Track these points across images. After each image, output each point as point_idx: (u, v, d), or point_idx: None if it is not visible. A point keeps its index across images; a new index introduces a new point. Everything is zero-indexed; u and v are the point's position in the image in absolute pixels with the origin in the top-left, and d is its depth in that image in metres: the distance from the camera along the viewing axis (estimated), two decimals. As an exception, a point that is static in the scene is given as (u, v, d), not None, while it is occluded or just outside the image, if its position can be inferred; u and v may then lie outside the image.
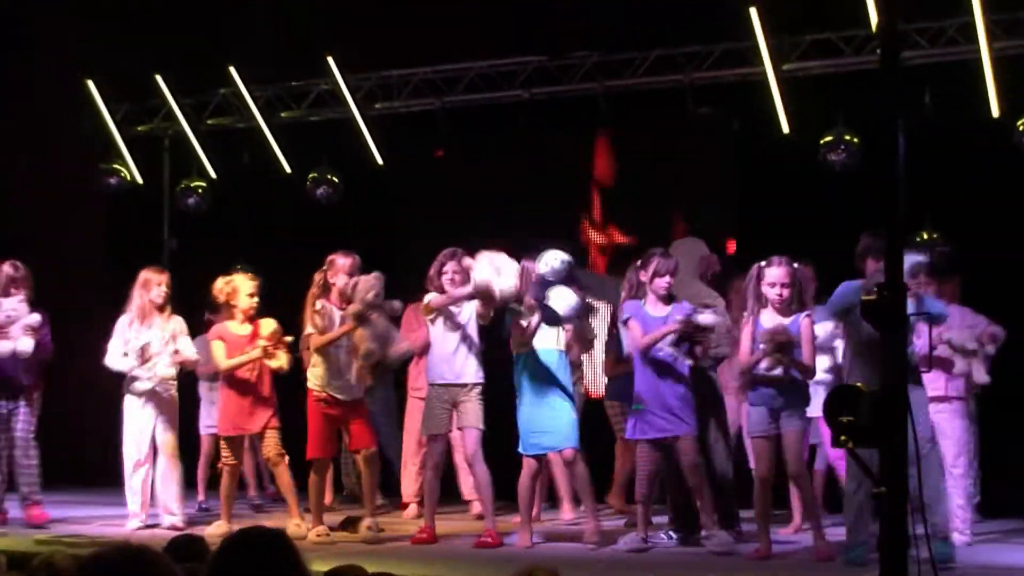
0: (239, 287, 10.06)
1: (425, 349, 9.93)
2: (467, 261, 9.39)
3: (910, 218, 4.67)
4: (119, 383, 10.30)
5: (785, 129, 11.89)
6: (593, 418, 10.71)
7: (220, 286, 10.10)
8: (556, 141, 13.19)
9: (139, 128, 14.48)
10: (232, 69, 13.58)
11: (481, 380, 9.43)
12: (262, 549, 3.73)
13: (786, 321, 8.63)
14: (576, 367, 10.10)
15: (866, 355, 8.06)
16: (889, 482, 4.32)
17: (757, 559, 8.63)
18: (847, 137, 11.57)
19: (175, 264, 13.73)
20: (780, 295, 8.67)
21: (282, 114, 13.94)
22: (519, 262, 9.35)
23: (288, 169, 13.84)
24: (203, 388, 11.61)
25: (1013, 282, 10.82)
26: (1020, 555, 9.04)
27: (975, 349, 9.42)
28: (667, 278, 9.05)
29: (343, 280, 9.67)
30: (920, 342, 8.53)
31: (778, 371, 8.59)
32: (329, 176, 13.55)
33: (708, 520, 9.06)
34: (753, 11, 11.67)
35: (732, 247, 12.13)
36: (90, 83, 14.08)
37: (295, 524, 9.61)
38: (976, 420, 9.89)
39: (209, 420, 11.38)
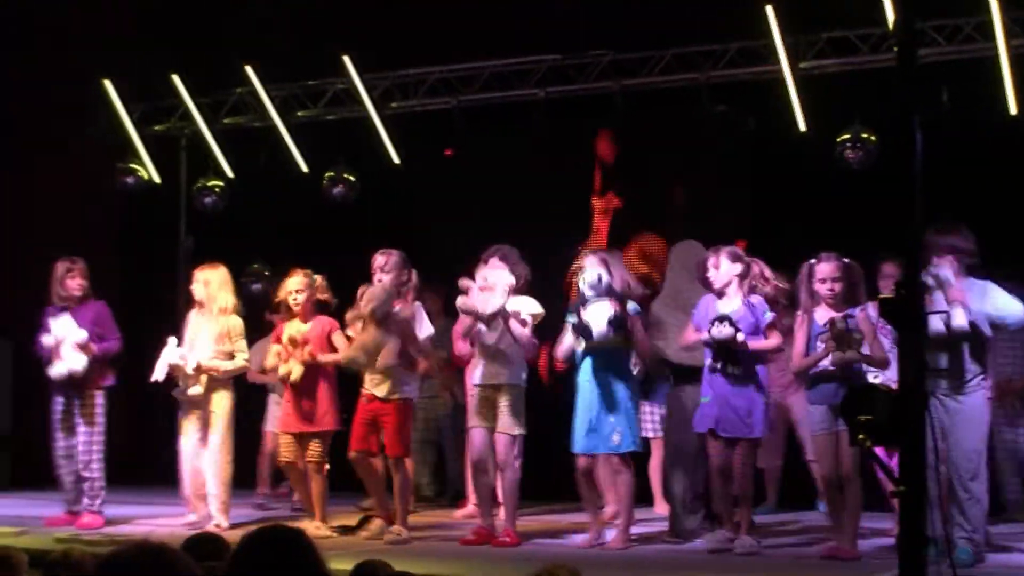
0: (283, 285, 10.11)
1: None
2: (466, 283, 9.50)
3: (927, 216, 4.65)
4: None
5: (802, 127, 11.86)
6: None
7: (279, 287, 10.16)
8: (571, 140, 13.18)
9: (156, 127, 14.50)
10: (249, 68, 13.59)
11: (514, 383, 9.44)
12: (281, 547, 3.74)
13: (839, 316, 8.61)
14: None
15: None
16: (908, 481, 4.32)
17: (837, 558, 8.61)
18: (864, 135, 11.54)
19: (192, 263, 13.76)
20: (831, 290, 8.68)
21: (299, 113, 13.94)
22: (519, 264, 9.50)
23: (305, 168, 13.85)
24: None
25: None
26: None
27: None
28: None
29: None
30: None
31: (829, 364, 8.56)
32: (345, 175, 13.56)
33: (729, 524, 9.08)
34: (769, 9, 11.65)
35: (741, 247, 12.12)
36: (107, 83, 14.10)
37: (315, 526, 9.63)
38: None
39: (273, 418, 11.50)
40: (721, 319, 8.89)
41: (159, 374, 10.21)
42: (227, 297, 10.40)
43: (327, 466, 10.01)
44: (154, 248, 14.23)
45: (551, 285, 11.41)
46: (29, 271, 11.48)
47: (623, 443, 9.18)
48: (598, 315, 9.06)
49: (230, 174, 14.16)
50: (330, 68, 13.44)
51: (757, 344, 8.96)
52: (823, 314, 8.70)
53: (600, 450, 9.28)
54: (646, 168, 12.83)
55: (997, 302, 8.33)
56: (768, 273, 9.19)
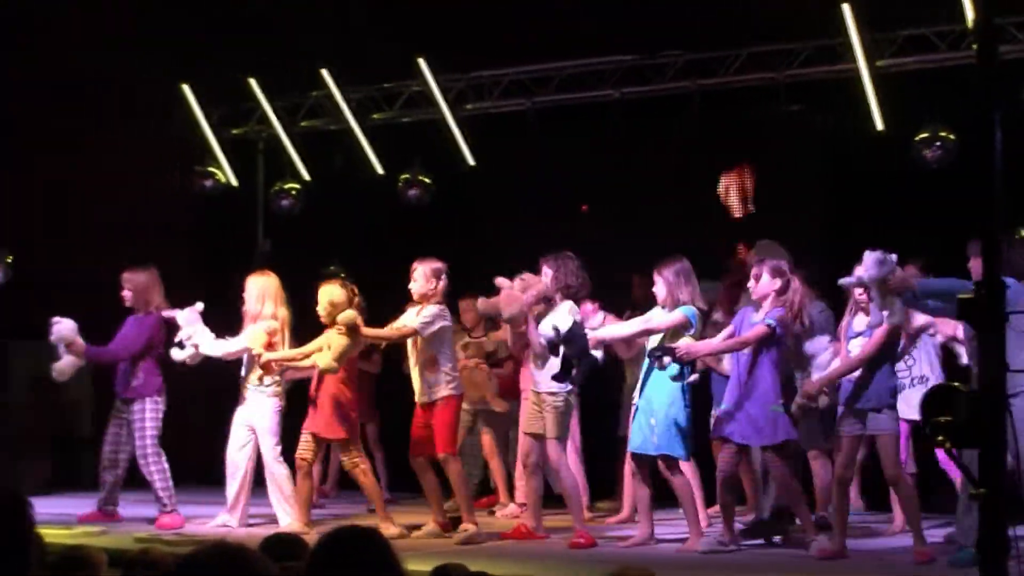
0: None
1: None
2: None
3: (1008, 215, 4.59)
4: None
5: (879, 126, 11.76)
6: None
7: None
8: (647, 141, 13.15)
9: (234, 131, 14.62)
10: (325, 72, 13.67)
11: (556, 390, 9.49)
12: (359, 547, 3.76)
13: (865, 321, 8.66)
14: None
15: None
16: (988, 483, 4.27)
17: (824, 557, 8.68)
18: (942, 133, 11.43)
19: (269, 266, 13.86)
20: (861, 293, 8.68)
21: (374, 116, 14.00)
22: (571, 273, 9.63)
23: (380, 170, 13.91)
24: None
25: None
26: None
27: None
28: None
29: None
30: None
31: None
32: (421, 177, 13.59)
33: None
34: (846, 7, 11.56)
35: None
36: (185, 87, 14.24)
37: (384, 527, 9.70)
38: None
39: None
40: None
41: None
42: (259, 306, 10.47)
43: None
44: (232, 251, 14.34)
45: (623, 288, 11.37)
46: (108, 278, 11.60)
47: (660, 446, 9.21)
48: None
49: (307, 177, 14.24)
50: (405, 70, 13.49)
51: (722, 345, 9.22)
52: (861, 320, 8.76)
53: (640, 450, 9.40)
54: (721, 168, 12.78)
55: None
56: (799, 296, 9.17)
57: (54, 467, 12.06)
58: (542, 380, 9.57)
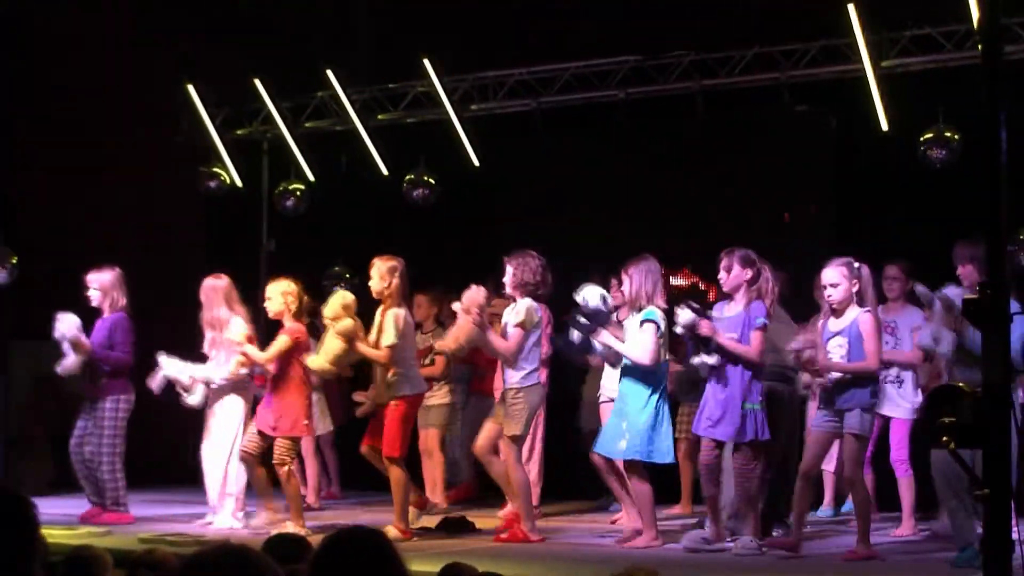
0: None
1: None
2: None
3: (1012, 216, 4.59)
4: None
5: (884, 126, 11.75)
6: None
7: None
8: (652, 140, 13.15)
9: (238, 131, 14.63)
10: (329, 72, 13.67)
11: (513, 386, 9.62)
12: (362, 548, 3.75)
13: (840, 321, 8.71)
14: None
15: (967, 361, 8.08)
16: (992, 483, 4.26)
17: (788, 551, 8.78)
18: (947, 134, 11.42)
19: (273, 266, 13.87)
20: (830, 296, 8.78)
21: (379, 116, 14.00)
22: (528, 271, 9.68)
23: (385, 171, 13.91)
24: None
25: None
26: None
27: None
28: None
29: None
30: None
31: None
32: (426, 177, 13.59)
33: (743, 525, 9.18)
34: (851, 7, 11.55)
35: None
36: (190, 87, 14.24)
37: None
38: None
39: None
40: (686, 304, 9.09)
41: (155, 385, 10.47)
42: (219, 311, 10.52)
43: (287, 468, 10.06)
44: (236, 251, 14.35)
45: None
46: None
47: (627, 450, 9.28)
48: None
49: (311, 178, 14.25)
50: (410, 71, 13.49)
51: (731, 345, 9.04)
52: (830, 321, 8.83)
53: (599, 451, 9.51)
54: (726, 168, 12.76)
55: None
56: (770, 285, 9.24)
57: (55, 467, 12.07)
58: (509, 380, 9.68)
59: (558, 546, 9.51)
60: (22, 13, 13.18)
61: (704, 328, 8.99)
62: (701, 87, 12.60)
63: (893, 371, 9.98)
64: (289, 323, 10.13)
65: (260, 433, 10.05)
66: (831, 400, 8.73)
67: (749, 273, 9.08)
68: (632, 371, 9.34)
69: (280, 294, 10.12)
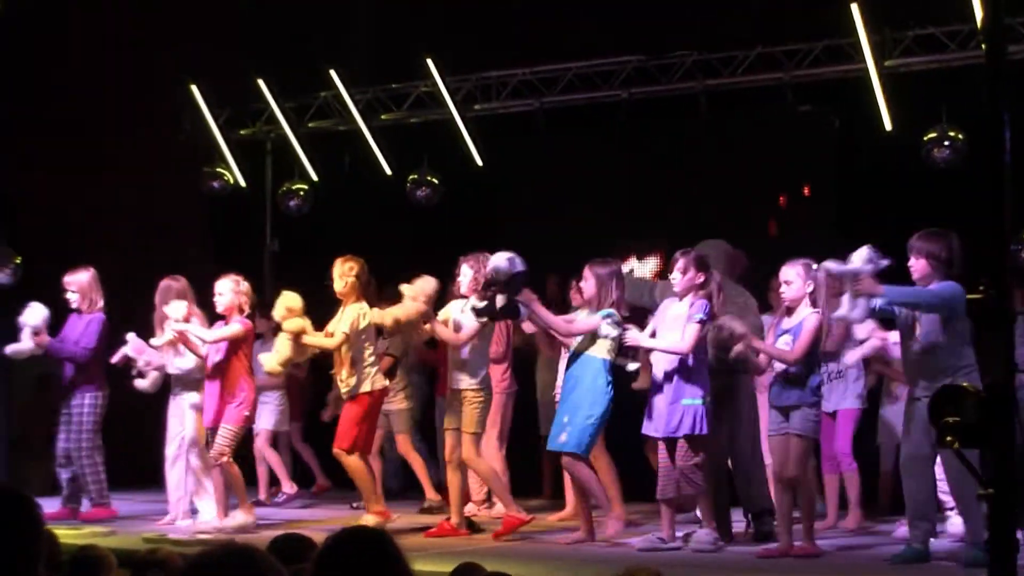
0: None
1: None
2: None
3: (1016, 215, 4.59)
4: None
5: (888, 126, 11.75)
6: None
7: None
8: (655, 140, 13.15)
9: (242, 132, 14.64)
10: (333, 72, 13.68)
11: (464, 387, 9.81)
12: (365, 548, 3.75)
13: (791, 320, 8.84)
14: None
15: None
16: (997, 482, 4.26)
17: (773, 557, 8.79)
18: (951, 133, 11.42)
19: (277, 266, 13.88)
20: (782, 293, 8.96)
21: (382, 116, 14.01)
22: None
23: (388, 171, 13.91)
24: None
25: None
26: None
27: None
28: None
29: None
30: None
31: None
32: (429, 177, 13.61)
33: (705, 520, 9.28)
34: (854, 7, 11.55)
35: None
36: (193, 87, 14.25)
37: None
38: None
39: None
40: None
41: (116, 358, 10.59)
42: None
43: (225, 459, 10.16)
44: (240, 252, 14.35)
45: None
46: (118, 278, 11.63)
47: (568, 443, 9.40)
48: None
49: (315, 177, 14.26)
50: (413, 71, 13.50)
51: (658, 345, 9.23)
52: (787, 320, 8.92)
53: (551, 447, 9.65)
54: (729, 168, 12.75)
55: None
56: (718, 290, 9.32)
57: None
58: (460, 378, 9.84)
59: (561, 546, 9.49)
60: (22, 13, 13.17)
61: (629, 340, 9.25)
62: (704, 87, 12.61)
63: (832, 366, 10.03)
64: (237, 318, 10.29)
65: (211, 430, 10.20)
66: (775, 398, 8.84)
67: (702, 277, 9.18)
68: (578, 365, 9.48)
69: (231, 291, 10.24)
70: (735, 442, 9.69)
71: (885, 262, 8.27)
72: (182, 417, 10.56)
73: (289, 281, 11.92)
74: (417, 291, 9.76)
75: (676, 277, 9.20)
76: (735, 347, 8.92)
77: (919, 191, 11.54)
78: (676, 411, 9.03)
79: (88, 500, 10.93)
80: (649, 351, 9.42)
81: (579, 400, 9.41)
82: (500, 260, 9.44)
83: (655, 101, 12.95)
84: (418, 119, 13.93)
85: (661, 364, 9.18)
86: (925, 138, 11.49)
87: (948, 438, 4.37)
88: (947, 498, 9.13)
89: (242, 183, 14.51)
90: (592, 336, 9.43)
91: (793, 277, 8.82)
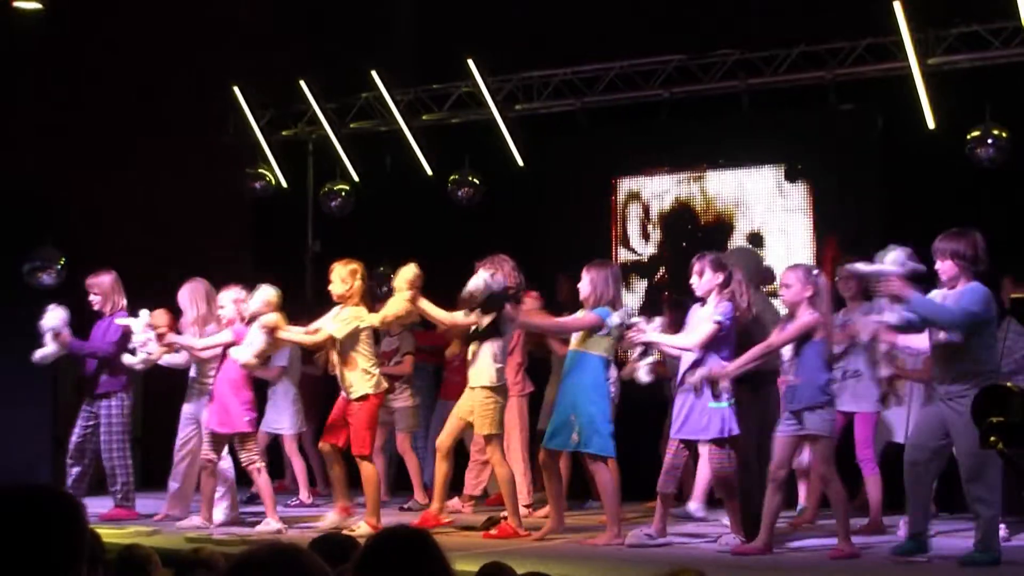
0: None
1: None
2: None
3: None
4: None
5: (931, 125, 11.68)
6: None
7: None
8: (697, 140, 13.13)
9: (284, 133, 14.70)
10: (374, 73, 13.71)
11: (478, 384, 9.78)
12: (408, 548, 3.76)
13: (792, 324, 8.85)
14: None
15: None
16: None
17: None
18: (995, 131, 11.35)
19: (319, 266, 13.90)
20: (782, 295, 9.04)
21: (423, 117, 14.03)
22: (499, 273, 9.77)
23: (429, 171, 13.94)
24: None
25: None
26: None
27: None
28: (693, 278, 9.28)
29: None
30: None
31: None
32: (470, 178, 13.63)
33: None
34: (897, 5, 11.49)
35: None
36: (236, 89, 14.31)
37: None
38: None
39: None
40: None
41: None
42: (194, 309, 10.83)
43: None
44: (282, 252, 14.41)
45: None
46: (160, 279, 11.69)
47: (580, 444, 9.44)
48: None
49: (356, 178, 14.30)
50: (454, 71, 13.52)
51: (665, 344, 9.32)
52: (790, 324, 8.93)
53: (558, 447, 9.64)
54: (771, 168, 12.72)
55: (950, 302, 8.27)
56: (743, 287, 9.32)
57: (98, 468, 12.18)
58: (473, 377, 9.83)
59: (602, 547, 9.48)
60: (71, 15, 13.26)
61: (635, 335, 9.26)
62: (746, 86, 12.58)
63: (850, 365, 10.00)
64: (238, 327, 10.32)
65: (212, 433, 10.26)
66: (788, 400, 8.83)
67: (720, 277, 9.15)
68: (576, 364, 9.51)
69: (232, 302, 10.29)
70: (763, 448, 9.66)
71: (916, 266, 8.22)
72: (195, 420, 10.70)
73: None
74: (400, 281, 9.83)
75: (695, 281, 9.21)
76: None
77: (963, 190, 11.47)
78: (708, 413, 9.03)
79: (112, 499, 11.01)
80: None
81: (581, 399, 9.41)
82: (476, 281, 9.53)
83: (697, 100, 12.93)
84: (459, 119, 13.95)
85: (685, 366, 9.16)
86: (969, 136, 11.42)
87: (992, 438, 4.34)
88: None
89: (284, 184, 14.56)
90: (589, 334, 9.44)
91: (793, 281, 8.80)
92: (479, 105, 13.56)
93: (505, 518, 9.93)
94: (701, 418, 9.03)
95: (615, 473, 9.86)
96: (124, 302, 11.05)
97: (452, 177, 13.66)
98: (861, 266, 8.39)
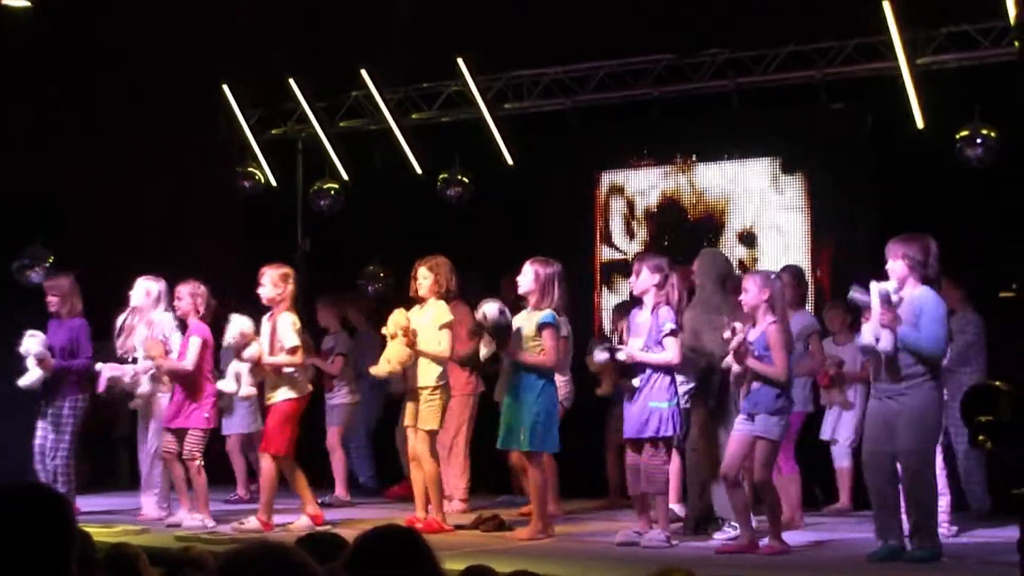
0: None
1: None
2: None
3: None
4: None
5: (920, 124, 11.69)
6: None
7: None
8: (687, 139, 13.13)
9: (273, 131, 14.68)
10: (364, 72, 13.70)
11: (420, 384, 9.92)
12: (397, 547, 3.76)
13: (755, 331, 8.90)
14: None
15: None
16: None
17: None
18: (984, 131, 11.36)
19: (308, 265, 13.89)
20: (740, 301, 9.07)
21: (413, 115, 14.02)
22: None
23: (419, 170, 13.92)
24: None
25: None
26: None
27: None
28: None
29: None
30: None
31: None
32: (460, 177, 13.62)
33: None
34: (886, 4, 11.50)
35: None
36: (225, 87, 14.29)
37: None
38: None
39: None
40: (602, 346, 9.57)
41: (101, 388, 10.69)
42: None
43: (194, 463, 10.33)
44: (272, 250, 14.37)
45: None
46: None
47: (525, 442, 9.58)
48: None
49: (346, 177, 14.28)
50: (444, 70, 13.51)
51: (651, 359, 9.23)
52: (752, 331, 8.95)
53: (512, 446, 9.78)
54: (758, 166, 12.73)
55: (921, 326, 8.28)
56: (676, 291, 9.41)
57: (92, 466, 12.21)
58: (418, 379, 9.95)
59: (590, 544, 9.49)
60: (60, 13, 13.23)
61: (624, 357, 9.23)
62: (736, 85, 12.59)
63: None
64: (194, 322, 10.41)
65: (169, 430, 10.32)
66: (748, 404, 8.90)
67: (657, 278, 9.26)
68: (517, 371, 9.67)
69: (188, 295, 10.39)
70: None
71: (897, 298, 8.30)
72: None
73: (321, 279, 11.98)
74: (395, 328, 9.88)
75: (632, 280, 9.42)
76: (725, 360, 9.07)
77: (952, 189, 11.48)
78: (643, 414, 9.17)
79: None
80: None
81: (524, 396, 9.55)
82: (492, 309, 9.58)
83: (687, 99, 12.94)
84: (449, 118, 13.94)
85: (630, 371, 9.28)
86: (958, 136, 11.43)
87: (980, 437, 4.35)
88: None
89: (273, 183, 14.55)
90: (523, 339, 9.58)
91: (750, 286, 8.93)
92: (469, 104, 13.55)
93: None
94: (641, 416, 9.21)
95: (551, 469, 10.08)
96: (81, 306, 10.94)
97: (442, 176, 13.65)
98: (857, 296, 8.47)
